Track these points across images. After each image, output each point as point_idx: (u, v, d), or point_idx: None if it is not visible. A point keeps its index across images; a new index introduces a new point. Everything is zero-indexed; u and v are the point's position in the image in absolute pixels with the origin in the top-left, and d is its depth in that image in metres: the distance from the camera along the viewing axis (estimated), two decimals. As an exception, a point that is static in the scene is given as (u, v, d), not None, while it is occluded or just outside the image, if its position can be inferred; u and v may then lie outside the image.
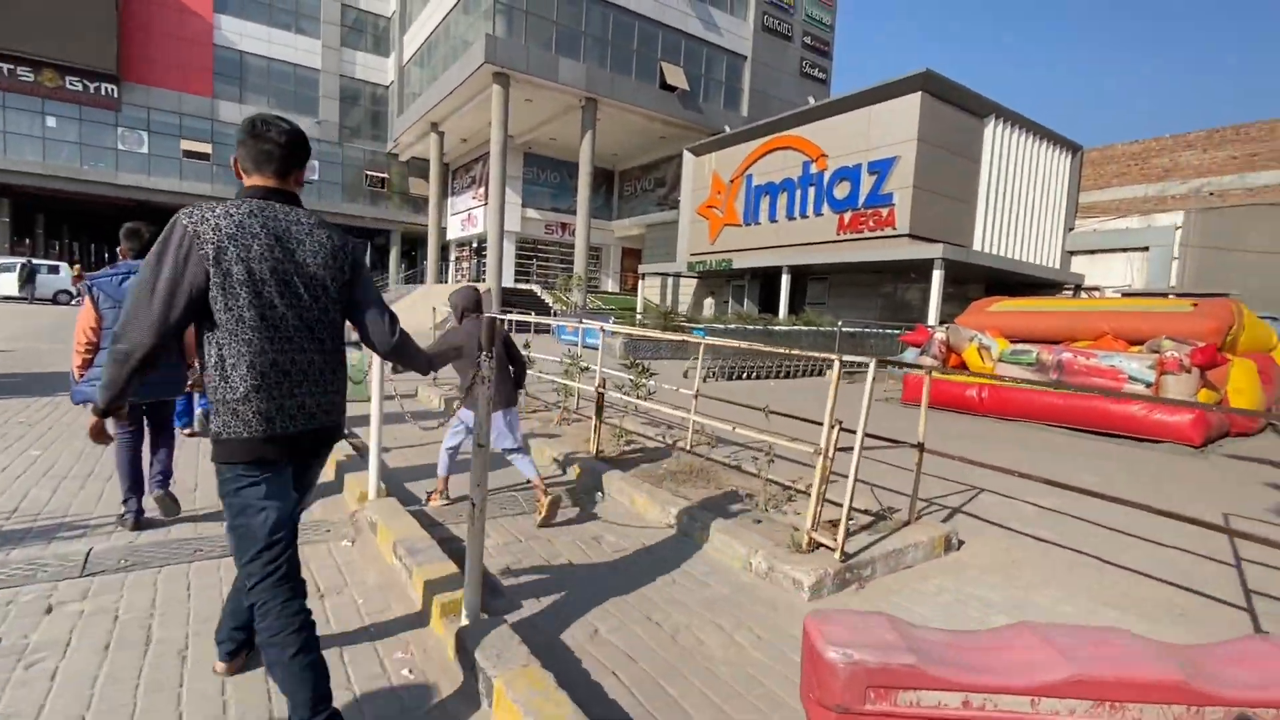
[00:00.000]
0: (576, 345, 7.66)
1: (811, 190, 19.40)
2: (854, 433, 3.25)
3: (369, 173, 32.93)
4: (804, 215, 19.66)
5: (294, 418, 1.72)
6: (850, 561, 3.10)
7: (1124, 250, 18.66)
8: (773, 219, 20.78)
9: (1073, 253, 20.20)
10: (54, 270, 24.50)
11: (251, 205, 1.68)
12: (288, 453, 1.73)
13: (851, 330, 13.63)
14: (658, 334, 4.07)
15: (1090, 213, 19.97)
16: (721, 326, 11.82)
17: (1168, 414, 7.02)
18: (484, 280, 29.24)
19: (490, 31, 20.38)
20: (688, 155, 24.36)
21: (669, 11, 23.91)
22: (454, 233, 32.80)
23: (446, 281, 33.08)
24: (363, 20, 32.54)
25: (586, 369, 6.30)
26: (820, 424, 4.73)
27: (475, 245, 31.74)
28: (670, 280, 27.79)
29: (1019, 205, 18.85)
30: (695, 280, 26.31)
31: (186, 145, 28.28)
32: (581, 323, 6.49)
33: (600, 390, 4.90)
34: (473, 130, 27.57)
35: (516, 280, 28.41)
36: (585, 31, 22.45)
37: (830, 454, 3.16)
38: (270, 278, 1.65)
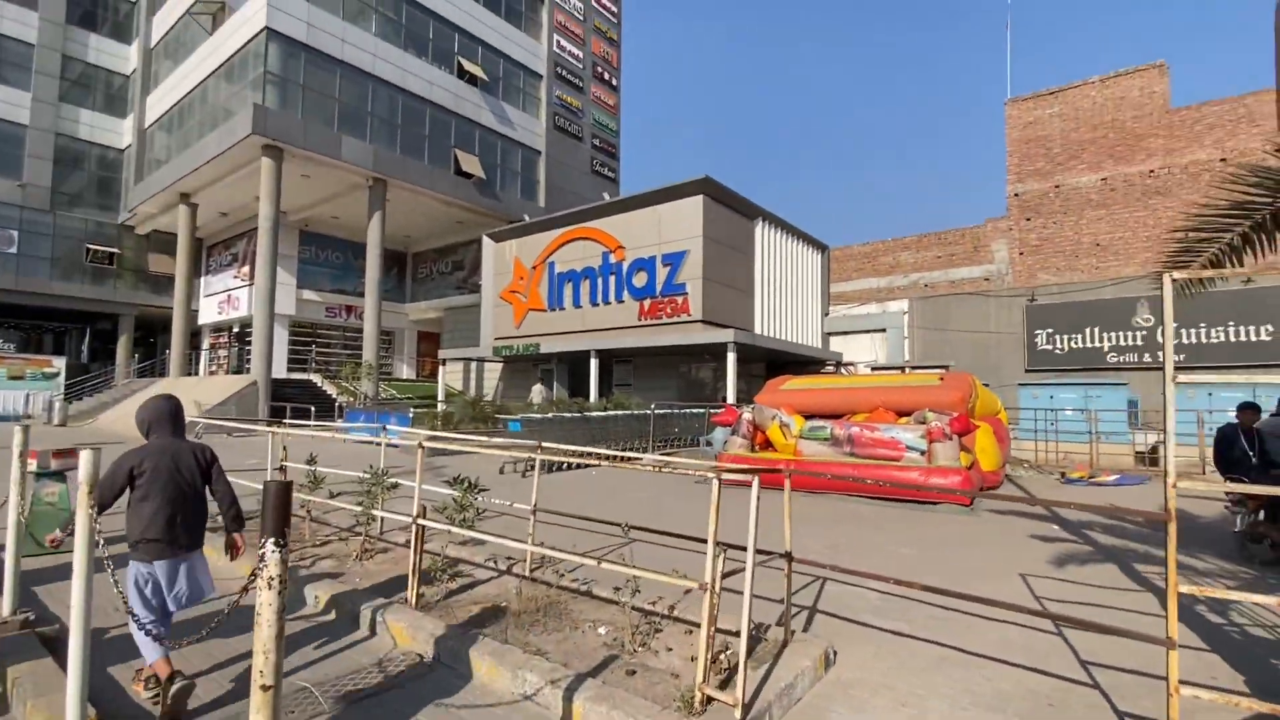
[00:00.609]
0: (374, 442, 6.51)
1: (613, 279, 20.06)
2: (734, 547, 2.82)
3: (92, 246, 27.10)
4: (606, 302, 20.16)
5: None
6: (751, 717, 2.57)
7: (867, 331, 22.03)
8: (577, 305, 20.99)
9: (830, 334, 23.35)
10: None
11: None
12: None
13: (663, 412, 13.85)
14: (474, 440, 3.35)
15: (840, 300, 23.41)
16: (538, 416, 11.14)
17: (942, 477, 7.84)
18: (248, 369, 25.09)
19: (260, 101, 18.36)
20: (488, 241, 23.95)
21: (464, 103, 23.97)
22: (208, 316, 28.08)
23: (197, 373, 27.87)
24: (91, 76, 27.64)
25: (395, 486, 5.18)
26: (682, 537, 4.21)
27: (236, 330, 27.36)
28: (474, 365, 26.51)
29: (786, 294, 21.42)
30: (501, 365, 25.38)
31: None
32: (384, 429, 5.41)
33: (419, 521, 3.93)
34: (235, 203, 24.32)
35: (291, 369, 24.86)
36: (372, 113, 21.42)
37: (718, 589, 2.67)
38: None
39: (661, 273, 18.77)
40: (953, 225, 22.78)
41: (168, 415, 3.05)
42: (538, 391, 21.59)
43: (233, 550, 3.23)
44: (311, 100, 19.94)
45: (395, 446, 14.18)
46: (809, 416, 10.71)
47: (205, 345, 29.21)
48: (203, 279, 28.55)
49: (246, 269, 25.98)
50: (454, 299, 27.77)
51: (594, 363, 18.93)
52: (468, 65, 24.04)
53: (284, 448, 6.77)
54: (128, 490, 2.88)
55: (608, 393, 20.17)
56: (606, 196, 21.60)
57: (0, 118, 25.06)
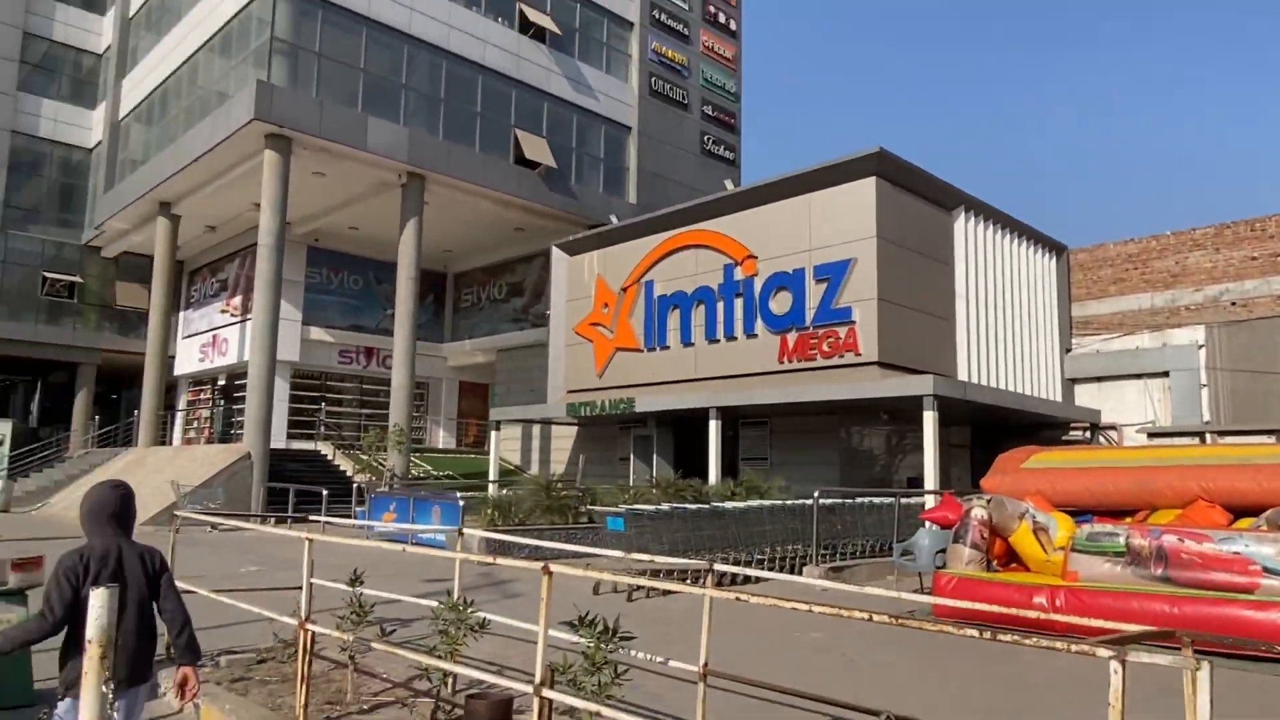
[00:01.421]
0: (423, 546, 6.36)
1: (739, 303, 19.74)
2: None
3: (49, 275, 29.83)
4: (731, 336, 19.82)
5: None
6: None
7: (1136, 376, 20.43)
8: (686, 341, 20.78)
9: (1075, 380, 21.86)
10: None
11: None
12: None
13: (828, 502, 13.20)
14: (592, 555, 3.02)
15: (1089, 328, 21.92)
16: (648, 509, 10.82)
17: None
18: (237, 435, 26.50)
19: (265, 77, 19.77)
20: (558, 254, 24.37)
21: (527, 67, 24.84)
22: (187, 365, 30.01)
23: (170, 440, 29.73)
24: (56, 57, 30.93)
25: (484, 624, 4.93)
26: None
27: (223, 382, 29.08)
28: (537, 430, 26.79)
29: (1005, 321, 20.25)
30: (575, 429, 25.51)
31: None
32: (460, 532, 5.17)
33: (546, 693, 3.59)
34: (226, 215, 26.10)
35: (292, 436, 25.98)
36: (407, 85, 22.55)
37: None
38: None
39: (814, 292, 18.27)
40: (1273, 210, 21.05)
41: (113, 510, 3.27)
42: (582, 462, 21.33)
43: (183, 689, 3.36)
44: (330, 73, 21.21)
45: (435, 548, 14.26)
46: (1074, 514, 9.86)
47: (182, 403, 31.19)
48: (182, 314, 30.64)
49: (238, 300, 27.69)
50: (510, 335, 28.34)
51: (714, 426, 18.50)
52: (533, 15, 25.01)
53: (311, 561, 6.77)
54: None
55: (732, 471, 19.65)
56: (729, 185, 21.52)
57: (-52, 114, 28.38)
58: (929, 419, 15.10)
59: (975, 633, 2.54)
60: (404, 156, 21.53)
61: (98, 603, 2.46)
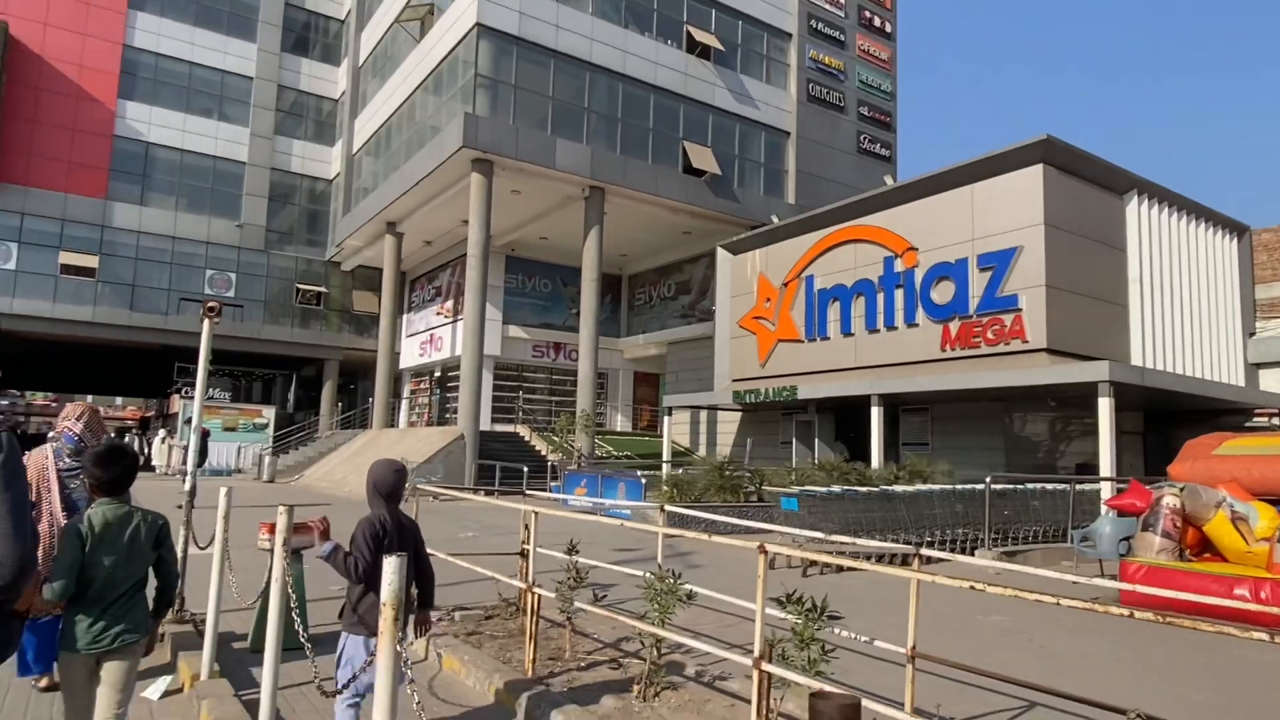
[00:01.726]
0: (617, 521, 6.45)
1: (899, 293, 18.90)
2: None
3: (301, 286, 32.94)
4: (891, 326, 19.03)
5: None
6: None
7: (1331, 361, 17.83)
8: (846, 331, 20.14)
9: (1258, 365, 19.37)
10: None
11: None
12: None
13: (999, 488, 12.30)
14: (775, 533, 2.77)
15: (1273, 311, 19.38)
16: (819, 491, 10.49)
17: None
18: (450, 419, 28.19)
19: (470, 110, 20.80)
20: (723, 254, 24.26)
21: (693, 83, 24.86)
22: (410, 359, 32.27)
23: (397, 424, 32.02)
24: (303, 104, 34.08)
25: (691, 595, 4.86)
26: None
27: (438, 375, 31.03)
28: (705, 415, 26.83)
29: (1181, 306, 18.25)
30: (739, 414, 25.32)
31: (67, 258, 28.31)
32: (660, 508, 5.17)
33: (765, 667, 3.47)
34: (439, 230, 27.80)
35: (495, 420, 27.35)
36: (589, 108, 23.11)
37: None
38: None
39: (977, 281, 17.18)
40: None
41: (390, 489, 3.64)
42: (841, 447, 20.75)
43: (420, 626, 3.77)
44: (524, 103, 22.15)
45: (622, 520, 14.48)
46: (1274, 503, 8.68)
47: (406, 392, 33.59)
48: (405, 317, 33.02)
49: (450, 304, 29.50)
50: (678, 330, 28.54)
51: (875, 412, 17.79)
52: (699, 35, 24.99)
53: (526, 526, 7.01)
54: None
55: (893, 455, 18.81)
56: (888, 180, 20.61)
57: (221, 156, 31.87)
58: (1104, 405, 13.84)
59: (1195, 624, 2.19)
60: (586, 172, 22.09)
61: (390, 570, 2.49)
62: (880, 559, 9.26)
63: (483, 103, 21.37)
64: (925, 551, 4.26)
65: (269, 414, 30.28)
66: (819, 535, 6.11)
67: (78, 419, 4.60)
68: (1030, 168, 16.49)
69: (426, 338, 31.12)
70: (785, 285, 22.14)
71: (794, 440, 22.05)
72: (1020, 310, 16.42)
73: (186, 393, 29.80)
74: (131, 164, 29.81)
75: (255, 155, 32.36)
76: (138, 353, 32.76)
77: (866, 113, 29.39)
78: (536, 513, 5.89)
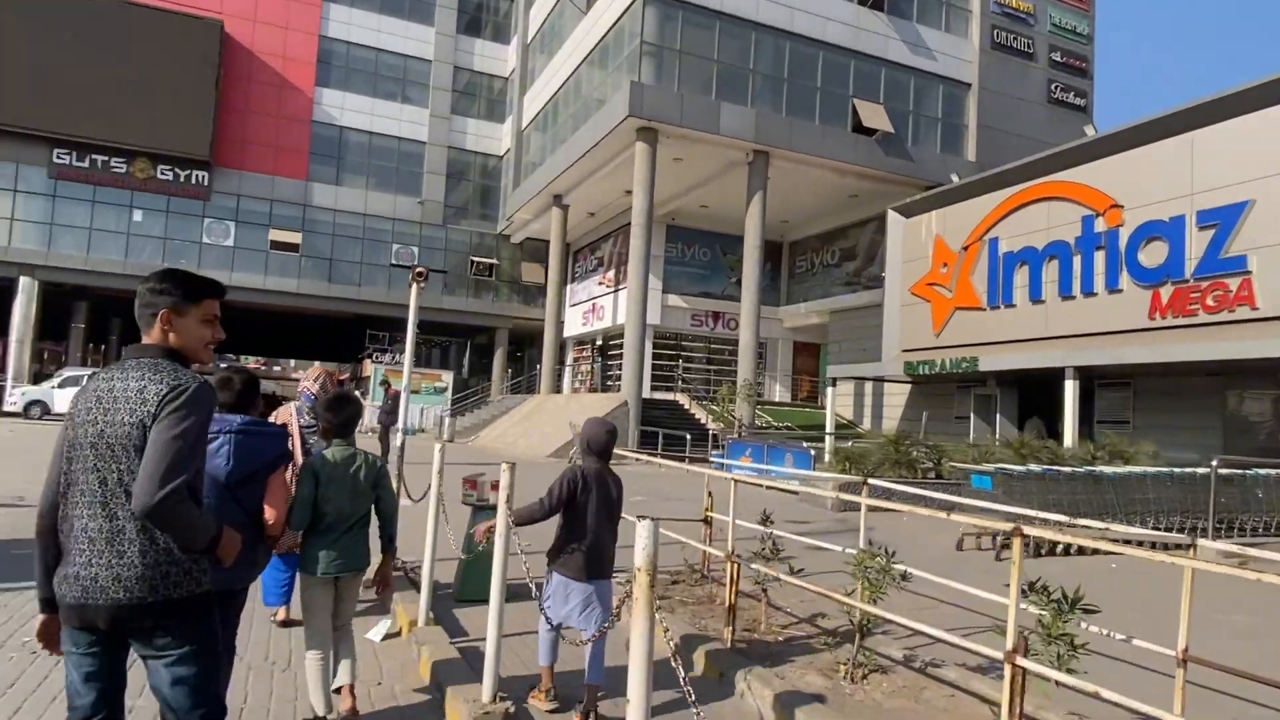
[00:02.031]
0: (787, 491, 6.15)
1: (1099, 256, 17.10)
2: None
3: (475, 259, 34.57)
4: (1089, 292, 17.27)
5: (69, 586, 2.07)
6: None
7: None
8: (1036, 298, 18.51)
9: None
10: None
11: (103, 370, 2.20)
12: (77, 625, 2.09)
13: (1227, 473, 10.84)
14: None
15: None
16: (1017, 469, 9.65)
17: None
18: (611, 386, 28.75)
19: (635, 78, 20.74)
20: (894, 217, 22.97)
21: (864, 36, 23.53)
22: (572, 328, 33.12)
23: (561, 390, 33.07)
24: (476, 84, 35.50)
25: (905, 577, 4.48)
26: None
27: (599, 343, 31.67)
28: (869, 387, 25.75)
29: None
30: (908, 387, 24.08)
31: (275, 235, 31.21)
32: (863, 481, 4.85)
33: (1020, 661, 3.09)
34: (603, 201, 28.14)
35: (654, 388, 27.59)
36: (754, 70, 22.44)
37: None
38: (82, 441, 2.10)
39: (1195, 241, 15.20)
40: None
41: (601, 446, 3.88)
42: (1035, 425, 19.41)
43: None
44: (688, 68, 21.82)
45: (793, 494, 14.12)
46: None
47: (569, 359, 34.61)
48: (568, 287, 33.93)
49: (611, 274, 29.95)
50: (842, 298, 27.46)
51: (1070, 387, 16.26)
52: (870, -15, 23.60)
53: (709, 493, 6.86)
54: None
55: (1087, 433, 17.14)
56: (1089, 131, 18.54)
57: (404, 137, 33.87)
58: (1360, 382, 11.78)
59: None
60: (750, 136, 21.54)
61: (644, 533, 2.43)
62: (1134, 545, 8.39)
63: (648, 71, 21.24)
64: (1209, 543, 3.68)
65: (447, 378, 32.17)
66: (1026, 513, 5.57)
67: (315, 380, 4.99)
68: (1270, 109, 14.28)
69: (589, 307, 31.79)
70: (965, 249, 20.64)
71: (971, 415, 20.67)
72: (1249, 273, 14.37)
73: (377, 357, 32.23)
74: (328, 147, 32.34)
75: (434, 135, 34.15)
76: (333, 321, 35.78)
77: (1059, 59, 26.66)
78: (737, 481, 5.73)
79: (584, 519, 3.73)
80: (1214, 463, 10.31)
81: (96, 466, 2.06)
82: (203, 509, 2.19)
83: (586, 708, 3.63)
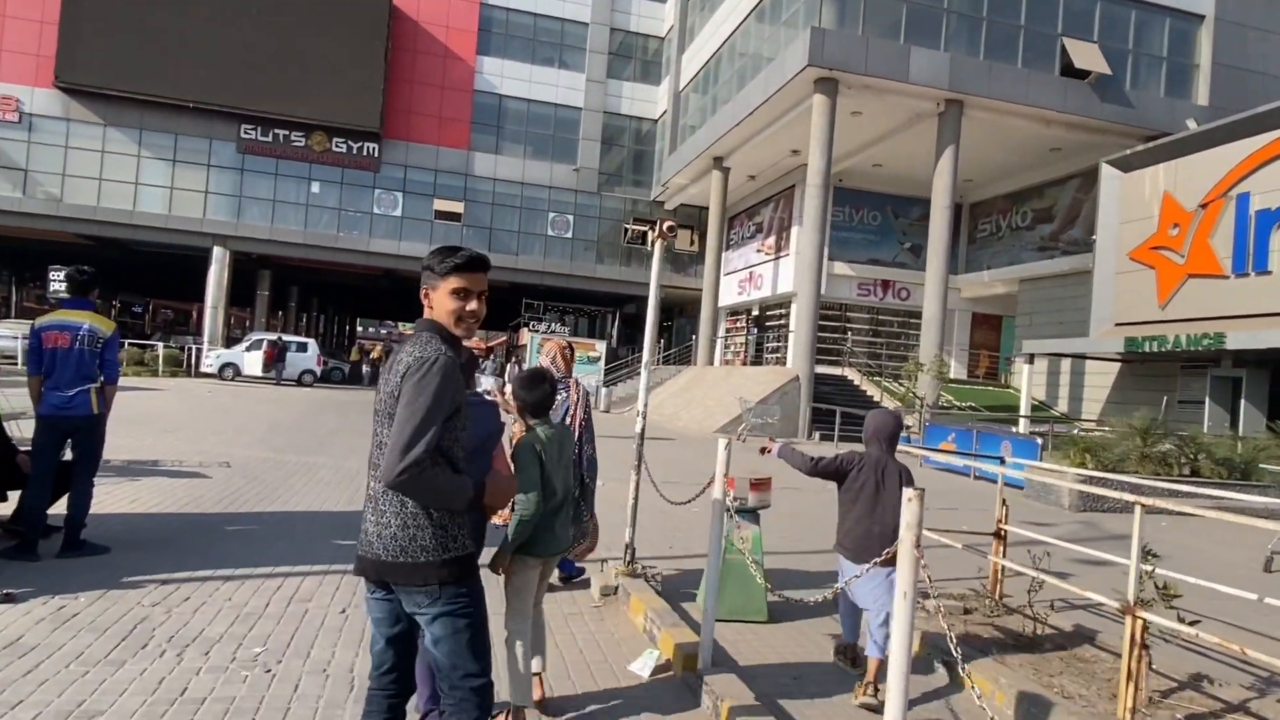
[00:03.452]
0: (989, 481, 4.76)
1: (1396, 211, 14.03)
2: None
3: (628, 226, 33.94)
4: (1379, 256, 14.25)
5: (359, 541, 2.25)
6: None
7: None
8: (1301, 265, 15.58)
9: None
10: (302, 348, 28.42)
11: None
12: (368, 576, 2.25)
13: None
14: None
15: None
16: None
17: None
18: (770, 360, 27.42)
19: (816, 23, 19.07)
20: (1109, 171, 20.16)
21: (1076, -36, 20.62)
22: (726, 298, 31.95)
23: (713, 362, 32.05)
24: (631, 44, 34.56)
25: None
26: None
27: (755, 314, 30.33)
28: (1066, 365, 23.08)
29: None
30: (1116, 366, 21.30)
31: (439, 205, 31.82)
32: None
33: None
34: (765, 163, 26.65)
35: (818, 362, 25.97)
36: (948, 8, 20.19)
37: None
38: (375, 406, 2.26)
39: None
40: None
41: (889, 432, 3.99)
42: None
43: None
44: (873, 8, 19.89)
45: (1019, 487, 12.43)
46: None
47: (721, 331, 33.51)
48: (723, 255, 32.72)
49: (771, 240, 28.45)
50: (1034, 265, 24.70)
51: (1358, 370, 13.48)
52: (1086, -95, 20.61)
53: (1003, 501, 5.56)
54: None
55: None
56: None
57: (562, 103, 33.51)
58: None
59: None
60: (944, 83, 19.44)
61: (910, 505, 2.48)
62: None
63: (829, 15, 19.49)
64: None
65: (600, 348, 31.88)
66: None
67: (548, 355, 4.89)
68: None
69: (745, 275, 30.46)
70: (1203, 207, 17.74)
71: (1207, 401, 17.86)
72: None
73: (534, 326, 32.42)
74: (488, 116, 32.50)
75: (590, 100, 33.60)
76: (492, 290, 36.18)
77: (1320, -22, 22.49)
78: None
79: (856, 502, 3.89)
80: None
81: (375, 431, 2.22)
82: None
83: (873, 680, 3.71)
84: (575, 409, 4.89)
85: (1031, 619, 4.60)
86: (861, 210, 27.89)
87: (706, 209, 30.17)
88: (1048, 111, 20.33)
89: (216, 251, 30.29)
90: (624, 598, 4.95)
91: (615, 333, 38.57)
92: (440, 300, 2.25)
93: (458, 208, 31.92)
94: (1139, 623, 3.29)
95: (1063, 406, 23.03)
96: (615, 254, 34.16)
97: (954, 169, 20.06)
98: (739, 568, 4.75)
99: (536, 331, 31.93)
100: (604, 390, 27.66)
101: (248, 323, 40.98)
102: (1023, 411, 20.88)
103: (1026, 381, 21.15)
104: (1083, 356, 21.41)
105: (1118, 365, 21.32)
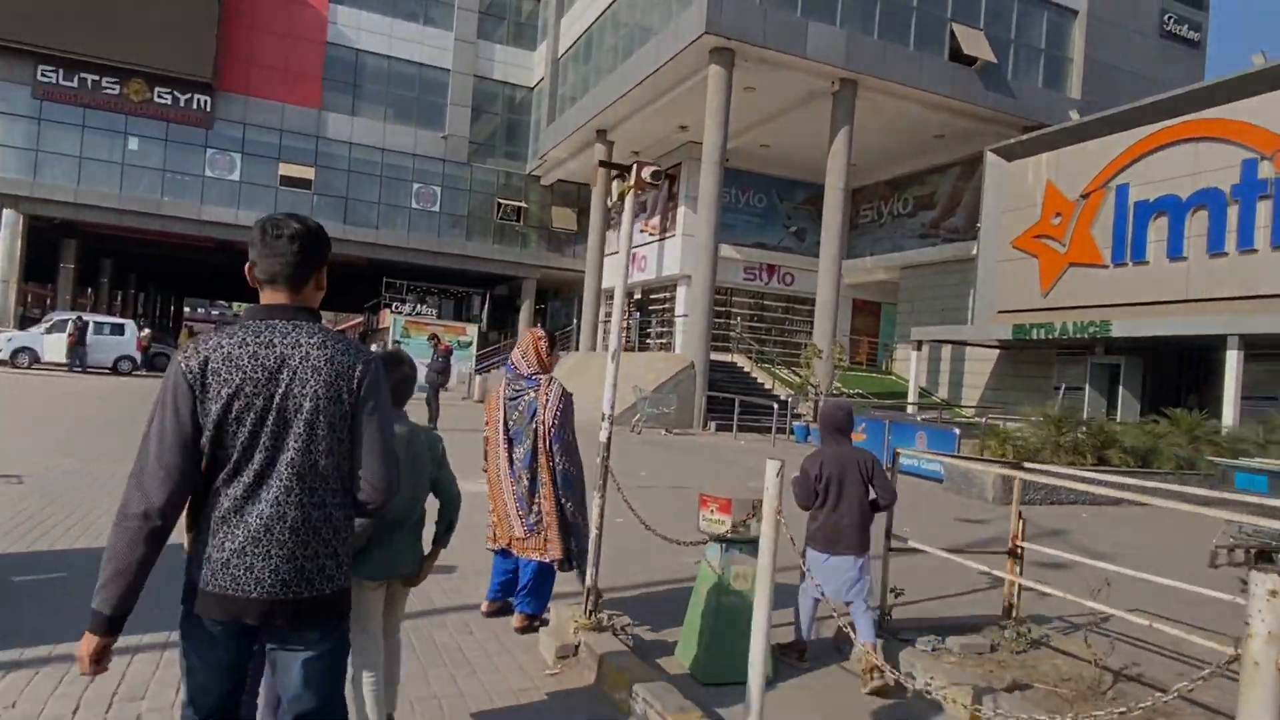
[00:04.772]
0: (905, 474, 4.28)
1: (1263, 206, 15.03)
2: None
3: (501, 201, 32.25)
4: (1247, 248, 15.24)
5: (232, 580, 1.81)
6: None
7: None
8: (1176, 254, 16.50)
9: None
10: (117, 330, 24.88)
11: (245, 332, 1.85)
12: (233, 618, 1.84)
13: None
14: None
15: None
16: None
17: None
18: (655, 345, 26.77)
19: (713, -11, 18.31)
20: (994, 159, 20.76)
21: (963, -52, 20.97)
22: (607, 280, 30.97)
23: (595, 348, 31.08)
24: (503, 3, 32.69)
25: None
26: None
27: (637, 297, 29.58)
28: (946, 352, 23.77)
29: None
30: (995, 353, 22.10)
31: (286, 170, 28.84)
32: None
33: None
34: (651, 138, 25.84)
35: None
36: (844, -16, 19.95)
37: None
38: (247, 416, 1.81)
39: (1402, 190, 13.09)
40: None
41: (838, 424, 4.15)
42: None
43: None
44: (770, -21, 19.36)
45: (938, 480, 12.21)
46: None
47: (602, 315, 32.53)
48: (605, 235, 31.70)
49: (656, 220, 27.70)
50: (916, 252, 25.29)
51: (1233, 358, 14.28)
52: (974, -110, 20.97)
53: (1019, 513, 4.88)
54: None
55: (1211, 409, 15.16)
56: (1262, 58, 16.03)
57: (428, 63, 31.17)
58: None
59: None
60: (841, 61, 19.21)
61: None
62: None
63: (725, -19, 18.78)
64: None
65: (472, 332, 30.13)
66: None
67: (520, 347, 4.52)
68: None
69: (630, 257, 29.64)
70: (1084, 197, 18.49)
71: (1086, 387, 18.69)
72: None
73: (396, 307, 30.15)
74: (343, 72, 29.72)
75: (459, 62, 31.46)
76: (348, 267, 33.55)
77: (1174, -16, 24.15)
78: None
79: (825, 503, 3.98)
80: None
81: (270, 445, 1.83)
82: None
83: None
84: (543, 411, 4.22)
85: (1090, 662, 3.87)
86: (748, 192, 27.67)
87: (587, 186, 29.06)
88: (936, 96, 20.60)
89: (6, 215, 26.05)
90: (588, 661, 3.86)
91: (486, 316, 36.76)
92: (324, 284, 2.04)
93: (307, 173, 29.05)
94: None
95: (943, 393, 23.74)
96: (487, 231, 32.36)
97: (848, 151, 19.95)
98: (738, 614, 3.79)
99: (399, 314, 29.73)
100: (477, 378, 26.06)
101: (49, 301, 35.98)
102: (911, 399, 21.27)
103: (915, 368, 21.55)
104: (970, 344, 22.05)
105: (997, 352, 22.13)
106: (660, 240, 27.24)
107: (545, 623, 4.34)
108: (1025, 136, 20.41)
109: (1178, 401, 16.25)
